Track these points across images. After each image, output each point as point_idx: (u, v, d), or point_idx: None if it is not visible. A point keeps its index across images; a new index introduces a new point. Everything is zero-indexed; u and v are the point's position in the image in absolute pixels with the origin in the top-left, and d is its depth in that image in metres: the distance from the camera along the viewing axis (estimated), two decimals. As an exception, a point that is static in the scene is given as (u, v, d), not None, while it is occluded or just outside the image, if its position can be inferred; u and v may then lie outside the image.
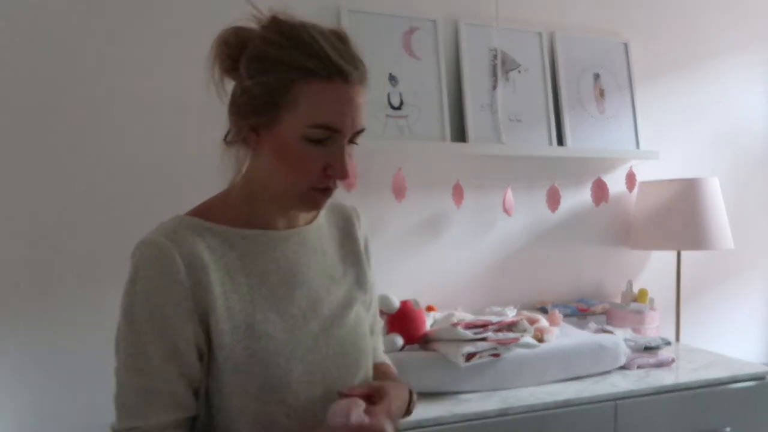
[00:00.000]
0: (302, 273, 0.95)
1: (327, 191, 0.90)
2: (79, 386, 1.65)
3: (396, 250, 1.94)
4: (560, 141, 2.07)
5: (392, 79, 1.89)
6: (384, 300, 1.61)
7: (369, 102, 1.95)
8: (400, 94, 1.90)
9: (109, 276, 1.68)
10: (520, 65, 2.05)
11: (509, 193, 2.01)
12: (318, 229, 1.01)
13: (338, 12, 1.86)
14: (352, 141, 0.90)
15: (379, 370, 1.09)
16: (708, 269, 2.39)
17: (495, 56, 2.02)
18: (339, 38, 0.89)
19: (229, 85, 0.95)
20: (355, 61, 0.87)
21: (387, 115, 1.87)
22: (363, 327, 1.01)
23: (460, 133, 1.96)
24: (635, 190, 2.20)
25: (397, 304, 1.62)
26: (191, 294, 0.85)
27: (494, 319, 1.66)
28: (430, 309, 1.86)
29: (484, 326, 1.57)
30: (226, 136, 0.94)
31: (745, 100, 2.46)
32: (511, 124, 2.01)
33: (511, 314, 1.83)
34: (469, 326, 1.56)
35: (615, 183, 2.17)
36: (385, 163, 1.91)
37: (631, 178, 2.16)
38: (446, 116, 1.93)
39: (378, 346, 1.16)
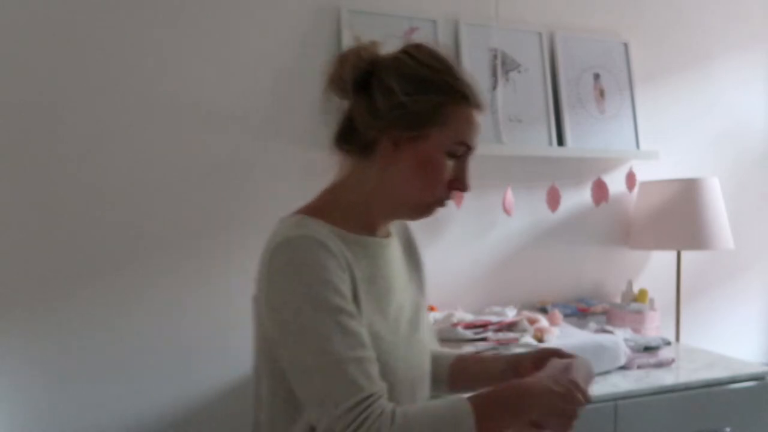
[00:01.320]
0: (393, 279, 1.02)
1: (444, 204, 0.99)
2: (79, 386, 1.65)
3: (396, 250, 1.94)
4: (560, 141, 2.07)
5: (392, 79, 1.89)
6: (384, 300, 1.61)
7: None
8: (400, 94, 1.89)
9: (109, 276, 1.68)
10: (520, 65, 2.05)
11: (509, 193, 2.01)
12: (393, 241, 1.09)
13: (338, 12, 1.86)
14: None
15: (456, 358, 1.17)
16: (708, 269, 2.39)
17: (495, 56, 2.02)
18: (471, 77, 1.00)
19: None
20: (483, 96, 0.99)
21: (387, 115, 1.87)
22: (428, 329, 1.10)
23: (460, 133, 1.96)
24: (635, 190, 2.20)
25: (397, 304, 1.62)
26: (350, 277, 0.92)
27: (494, 319, 1.66)
28: (430, 309, 1.86)
29: (484, 326, 1.57)
30: (340, 141, 1.00)
31: (745, 100, 2.46)
32: (511, 124, 2.01)
33: (511, 314, 1.83)
34: (469, 326, 1.56)
35: (615, 183, 2.17)
36: (385, 163, 1.91)
37: (631, 178, 2.16)
38: (446, 116, 1.93)
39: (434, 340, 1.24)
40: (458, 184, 0.97)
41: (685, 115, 2.35)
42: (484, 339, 1.53)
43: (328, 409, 0.83)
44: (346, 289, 0.90)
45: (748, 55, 2.46)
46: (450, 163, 0.95)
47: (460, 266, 2.03)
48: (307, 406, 0.89)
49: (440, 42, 1.93)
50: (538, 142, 2.04)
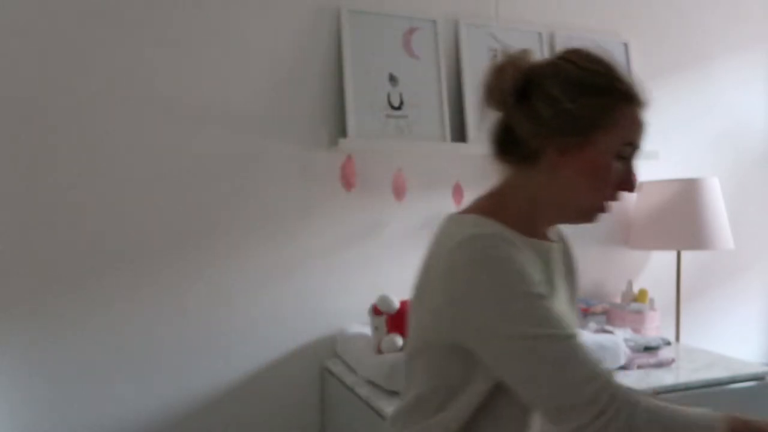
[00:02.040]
0: (557, 285, 1.00)
1: (611, 205, 0.97)
2: (79, 386, 1.65)
3: (396, 250, 1.94)
4: (560, 141, 2.07)
5: (392, 79, 1.89)
6: (384, 300, 1.61)
7: (368, 102, 1.96)
8: (400, 94, 1.90)
9: (109, 276, 1.68)
10: (520, 65, 2.05)
11: (509, 193, 2.01)
12: (558, 245, 1.06)
13: (338, 12, 1.86)
14: None
15: None
16: (708, 269, 2.39)
17: (495, 56, 2.02)
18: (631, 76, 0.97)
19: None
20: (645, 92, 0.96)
21: (387, 115, 1.87)
22: None
23: (460, 133, 1.96)
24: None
25: (397, 304, 1.62)
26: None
27: (494, 319, 1.66)
28: (430, 309, 1.86)
29: (484, 326, 1.57)
30: (499, 149, 1.00)
31: (745, 100, 2.46)
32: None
33: (511, 314, 1.82)
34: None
35: (615, 183, 2.16)
36: (385, 163, 1.91)
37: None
38: (446, 116, 1.93)
39: None
40: (626, 185, 0.95)
41: (685, 115, 2.35)
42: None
43: (559, 389, 0.81)
44: (542, 281, 0.90)
45: (748, 55, 2.46)
46: (618, 166, 0.93)
47: (460, 266, 2.03)
48: (531, 401, 0.85)
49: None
50: (538, 142, 2.04)
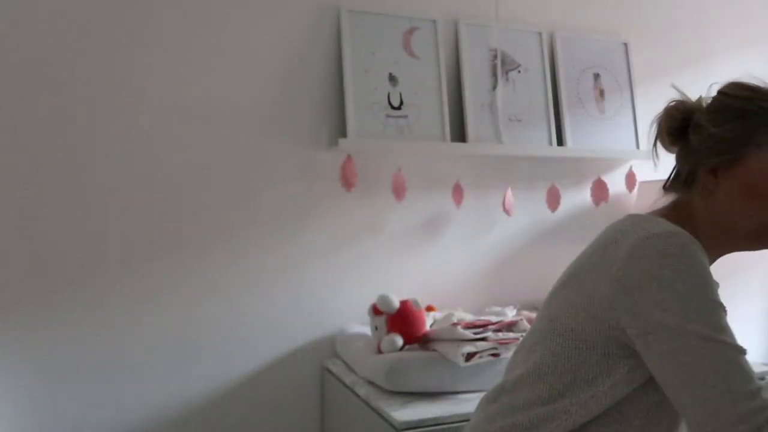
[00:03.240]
0: None
1: None
2: (80, 386, 1.65)
3: (396, 250, 1.94)
4: (560, 141, 2.07)
5: (392, 79, 1.89)
6: (384, 300, 1.61)
7: (369, 102, 1.96)
8: (400, 94, 1.90)
9: (109, 275, 1.68)
10: (520, 65, 2.05)
11: (509, 193, 2.01)
12: None
13: (338, 12, 1.86)
14: None
15: None
16: (708, 269, 2.38)
17: (495, 56, 2.02)
18: None
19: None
20: None
21: (387, 115, 1.87)
22: None
23: (460, 133, 1.96)
24: (635, 190, 2.20)
25: (397, 304, 1.62)
26: None
27: (494, 319, 1.66)
28: (430, 309, 1.86)
29: (484, 326, 1.57)
30: (666, 184, 1.05)
31: (745, 100, 2.45)
32: (511, 124, 2.01)
33: (511, 314, 1.82)
34: (469, 326, 1.56)
35: (615, 183, 2.17)
36: (385, 163, 1.91)
37: (631, 178, 2.16)
38: (446, 116, 1.93)
39: None
40: None
41: (685, 115, 2.35)
42: (484, 339, 1.53)
43: (718, 397, 0.79)
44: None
45: (748, 55, 2.46)
46: None
47: (460, 266, 2.03)
48: (683, 404, 0.84)
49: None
50: (538, 142, 2.04)
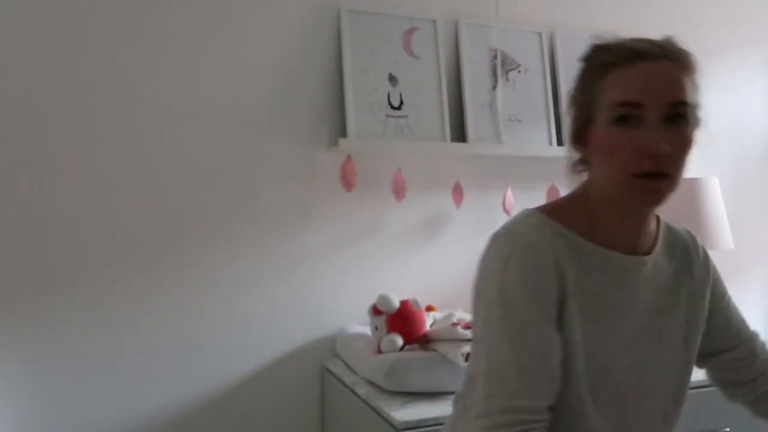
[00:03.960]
0: (630, 302, 0.94)
1: (650, 177, 0.86)
2: (80, 386, 1.65)
3: (396, 250, 1.95)
4: (560, 141, 2.07)
5: (392, 79, 1.89)
6: (384, 300, 1.61)
7: (369, 102, 1.96)
8: (400, 94, 1.90)
9: (108, 276, 1.68)
10: (520, 65, 2.05)
11: (509, 193, 2.01)
12: (654, 259, 0.98)
13: (338, 12, 1.86)
14: (675, 119, 0.87)
15: None
16: (708, 269, 2.38)
17: (495, 56, 2.02)
18: (637, 38, 0.92)
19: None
20: (655, 42, 0.89)
21: (387, 115, 1.87)
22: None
23: (460, 133, 1.96)
24: (635, 190, 2.20)
25: (396, 304, 1.62)
26: (558, 285, 0.88)
27: (494, 319, 1.65)
28: (430, 309, 1.86)
29: (484, 326, 1.57)
30: (569, 165, 1.00)
31: (745, 100, 2.46)
32: (511, 124, 2.01)
33: (511, 314, 1.82)
34: (469, 326, 1.56)
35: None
36: (385, 163, 1.91)
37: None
38: (446, 116, 1.93)
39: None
40: (643, 146, 0.85)
41: (685, 115, 2.35)
42: (484, 339, 1.53)
43: (486, 401, 0.84)
44: (546, 296, 0.87)
45: (748, 55, 2.46)
46: (625, 132, 0.86)
47: (460, 266, 2.03)
48: (474, 393, 0.89)
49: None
50: (538, 141, 2.04)
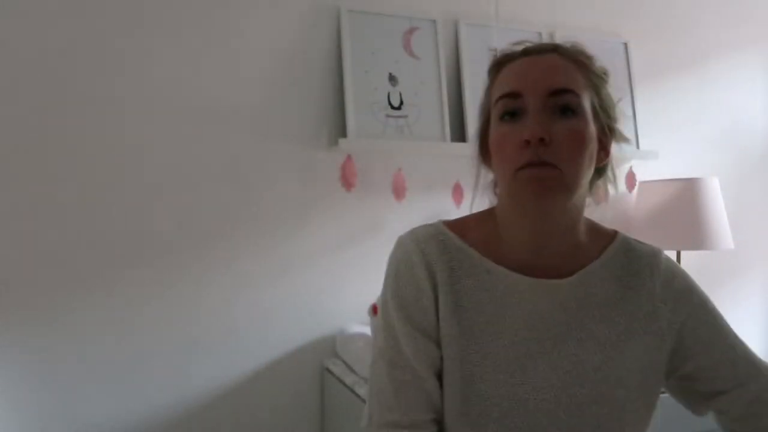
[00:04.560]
0: (533, 325, 0.85)
1: (531, 165, 0.80)
2: (79, 386, 1.65)
3: (396, 250, 1.94)
4: (560, 141, 2.07)
5: (392, 79, 1.89)
6: (384, 300, 1.61)
7: (369, 102, 1.95)
8: (400, 94, 1.90)
9: (109, 276, 1.68)
10: (520, 65, 2.05)
11: (509, 193, 2.01)
12: (577, 282, 0.87)
13: (338, 12, 1.86)
14: (564, 111, 0.82)
15: None
16: (708, 269, 2.38)
17: (495, 56, 2.01)
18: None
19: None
20: (534, 44, 0.88)
21: (387, 115, 1.87)
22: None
23: (460, 133, 1.96)
24: (635, 190, 2.20)
25: (397, 304, 1.61)
26: (432, 298, 0.88)
27: (494, 319, 1.66)
28: (430, 309, 1.86)
29: (483, 326, 1.57)
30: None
31: (745, 100, 2.46)
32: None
33: (511, 314, 1.82)
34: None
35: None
36: (385, 163, 1.91)
37: (631, 178, 2.16)
38: (446, 116, 1.93)
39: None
40: (524, 137, 0.80)
41: (685, 115, 2.35)
42: (483, 339, 1.53)
43: (372, 412, 0.87)
44: (421, 313, 0.87)
45: (748, 55, 2.46)
46: (510, 126, 0.83)
47: (460, 266, 2.03)
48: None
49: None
50: (538, 142, 2.04)
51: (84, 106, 1.65)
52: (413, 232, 0.92)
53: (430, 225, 0.93)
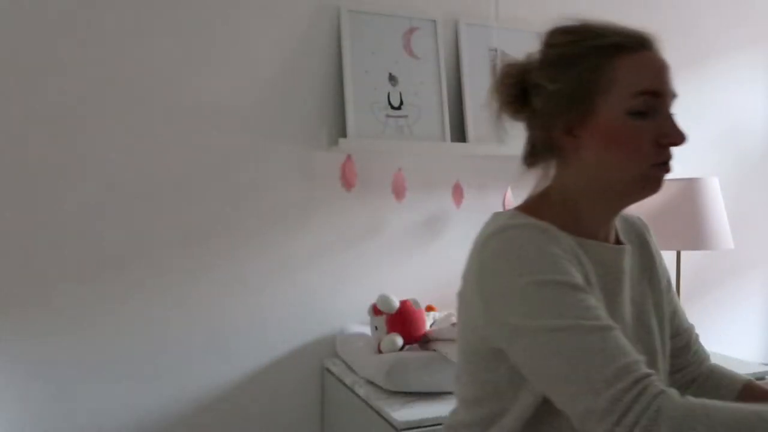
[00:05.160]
0: (622, 291, 0.90)
1: (666, 165, 0.87)
2: (79, 386, 1.65)
3: (396, 250, 1.94)
4: (560, 141, 2.07)
5: (392, 79, 1.89)
6: (384, 300, 1.61)
7: (369, 102, 1.96)
8: (400, 94, 1.90)
9: (108, 276, 1.68)
10: (520, 65, 2.05)
11: (509, 193, 2.01)
12: (628, 249, 0.94)
13: (338, 12, 1.86)
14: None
15: (744, 385, 1.01)
16: (708, 269, 2.39)
17: (495, 56, 2.02)
18: (617, 24, 0.92)
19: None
20: (645, 32, 0.90)
21: (387, 115, 1.87)
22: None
23: (460, 133, 1.96)
24: (635, 190, 2.20)
25: (397, 304, 1.62)
26: (582, 274, 0.83)
27: (494, 319, 1.66)
28: (430, 309, 1.86)
29: (484, 326, 1.57)
30: (525, 158, 0.96)
31: (745, 100, 2.46)
32: (512, 123, 2.00)
33: (511, 314, 1.82)
34: (469, 326, 1.56)
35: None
36: (385, 163, 1.91)
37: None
38: (446, 116, 1.93)
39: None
40: (667, 138, 0.84)
41: (685, 115, 2.33)
42: (484, 339, 1.53)
43: (580, 391, 0.71)
44: (577, 273, 0.80)
45: (748, 55, 2.46)
46: (643, 123, 0.83)
47: (460, 266, 2.02)
48: (559, 403, 0.76)
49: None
50: (538, 142, 2.04)
51: (84, 107, 1.65)
52: (519, 217, 0.87)
53: (513, 213, 0.89)
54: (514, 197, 2.02)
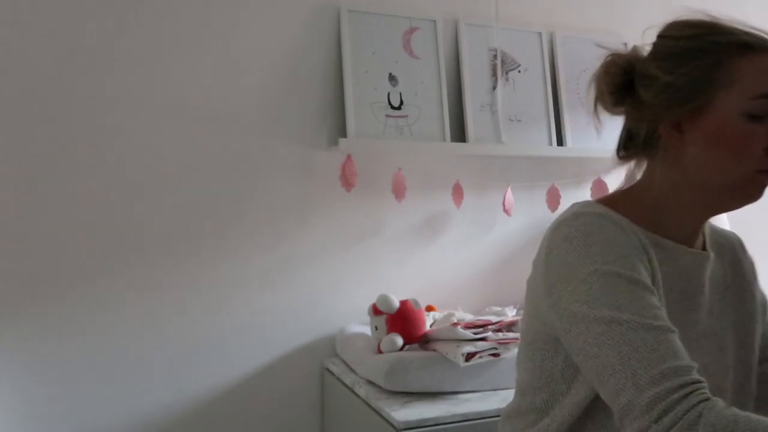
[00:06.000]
0: (700, 300, 0.89)
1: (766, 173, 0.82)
2: (78, 386, 1.65)
3: (396, 250, 1.94)
4: (560, 141, 2.07)
5: (392, 79, 1.89)
6: (384, 300, 1.61)
7: (369, 102, 1.96)
8: (400, 94, 1.90)
9: (108, 275, 1.68)
10: (520, 65, 2.05)
11: (509, 193, 2.01)
12: (711, 257, 0.92)
13: (338, 12, 1.86)
14: None
15: None
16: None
17: (495, 56, 2.02)
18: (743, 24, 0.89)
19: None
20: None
21: (387, 115, 1.87)
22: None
23: (460, 133, 1.96)
24: (635, 190, 2.20)
25: (396, 304, 1.62)
26: (650, 269, 0.82)
27: (494, 319, 1.66)
28: (430, 309, 1.86)
29: (484, 326, 1.57)
30: (618, 151, 0.94)
31: (745, 100, 2.45)
32: (511, 124, 2.01)
33: (511, 314, 1.82)
34: (469, 326, 1.56)
35: (615, 183, 2.16)
36: (384, 163, 1.91)
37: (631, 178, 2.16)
38: (446, 116, 1.93)
39: None
40: None
41: None
42: (483, 339, 1.53)
43: (626, 385, 0.71)
44: (644, 270, 0.79)
45: (748, 55, 2.45)
46: (757, 127, 0.80)
47: (460, 266, 2.03)
48: (604, 395, 0.76)
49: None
50: (538, 142, 2.04)
51: (84, 108, 1.65)
52: (593, 206, 0.86)
53: (591, 204, 0.88)
54: (514, 197, 2.02)
